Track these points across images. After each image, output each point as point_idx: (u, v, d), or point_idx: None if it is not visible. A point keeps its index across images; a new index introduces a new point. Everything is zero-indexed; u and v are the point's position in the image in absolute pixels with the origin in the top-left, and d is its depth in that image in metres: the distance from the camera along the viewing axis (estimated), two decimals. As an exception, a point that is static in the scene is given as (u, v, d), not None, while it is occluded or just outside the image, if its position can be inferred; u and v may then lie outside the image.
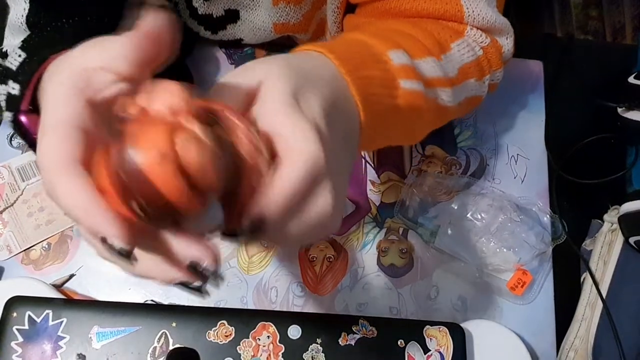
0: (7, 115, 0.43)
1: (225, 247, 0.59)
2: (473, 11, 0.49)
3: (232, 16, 0.58)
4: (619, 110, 0.60)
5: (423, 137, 0.49)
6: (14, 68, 0.40)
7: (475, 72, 0.49)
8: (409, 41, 0.44)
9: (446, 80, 0.45)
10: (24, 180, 0.60)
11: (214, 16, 0.57)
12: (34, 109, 0.37)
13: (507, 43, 0.53)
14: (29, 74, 0.37)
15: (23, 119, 0.37)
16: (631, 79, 0.61)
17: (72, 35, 0.42)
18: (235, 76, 0.31)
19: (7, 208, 0.59)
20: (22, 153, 0.62)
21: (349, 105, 0.35)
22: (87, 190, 0.26)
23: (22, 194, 0.60)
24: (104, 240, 0.26)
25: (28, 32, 0.44)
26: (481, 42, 0.51)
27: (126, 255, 0.26)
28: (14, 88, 0.39)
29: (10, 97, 0.39)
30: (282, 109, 0.29)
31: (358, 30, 0.44)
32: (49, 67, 0.33)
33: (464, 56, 0.48)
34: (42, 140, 0.28)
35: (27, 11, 0.43)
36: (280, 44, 0.66)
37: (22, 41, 0.43)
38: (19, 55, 0.41)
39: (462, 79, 0.48)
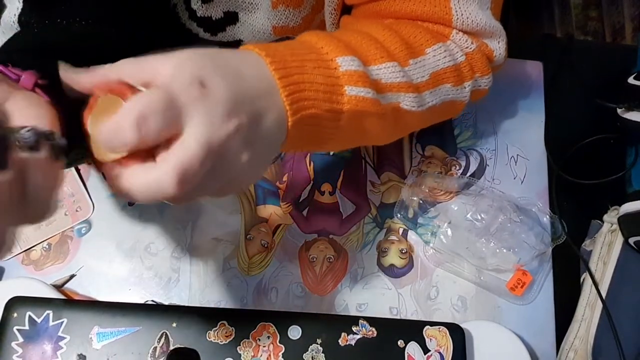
0: None
1: (225, 248, 0.59)
2: (462, 14, 0.49)
3: (231, 18, 0.58)
4: (619, 110, 0.60)
5: (387, 141, 0.51)
6: None
7: (452, 78, 0.50)
8: (370, 46, 0.45)
9: (409, 85, 0.46)
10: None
11: (213, 18, 0.57)
12: None
13: (498, 47, 0.53)
14: None
15: None
16: (631, 80, 0.61)
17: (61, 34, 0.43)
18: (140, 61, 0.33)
19: (7, 208, 0.59)
20: (22, 153, 0.62)
21: (274, 106, 0.36)
22: None
23: (22, 194, 0.60)
24: None
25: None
26: (466, 48, 0.51)
27: None
28: None
29: None
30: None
31: (315, 32, 0.45)
32: None
33: (439, 61, 0.49)
34: None
35: (19, 10, 0.43)
36: None
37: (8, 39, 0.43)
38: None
39: (435, 83, 0.49)
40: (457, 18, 0.49)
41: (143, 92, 0.32)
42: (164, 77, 0.32)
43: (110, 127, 0.30)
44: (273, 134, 0.36)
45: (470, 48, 0.51)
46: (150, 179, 0.31)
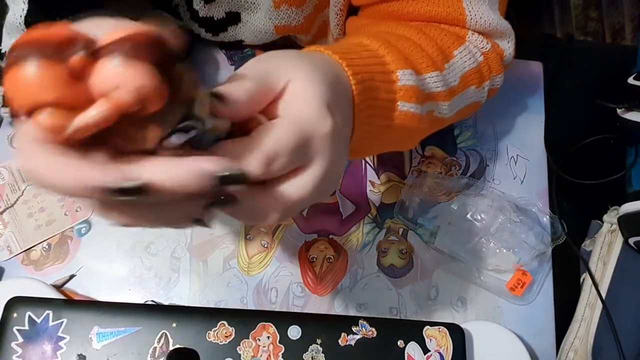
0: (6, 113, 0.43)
1: (225, 248, 0.59)
2: (475, 14, 0.49)
3: (233, 18, 0.58)
4: (619, 111, 0.60)
5: (414, 146, 0.50)
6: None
7: (475, 79, 0.49)
8: (417, 53, 0.44)
9: (447, 92, 0.45)
10: (24, 181, 0.61)
11: (215, 19, 0.57)
12: None
13: (508, 47, 0.52)
14: None
15: None
16: (630, 80, 0.61)
17: None
18: (253, 68, 0.31)
19: (7, 208, 0.60)
20: (22, 154, 0.62)
21: (350, 121, 0.35)
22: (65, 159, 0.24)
23: (22, 194, 0.60)
24: (112, 191, 0.24)
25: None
26: (482, 48, 0.51)
27: (142, 190, 0.24)
28: None
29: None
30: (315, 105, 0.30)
31: (371, 36, 0.43)
32: None
33: (465, 63, 0.48)
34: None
35: (25, 12, 0.43)
36: (281, 45, 0.66)
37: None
38: None
39: (463, 87, 0.48)
40: (471, 18, 0.49)
41: (273, 125, 0.29)
42: (295, 105, 0.30)
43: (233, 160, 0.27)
44: (346, 146, 0.36)
45: (486, 48, 0.51)
46: (260, 205, 0.29)
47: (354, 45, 0.41)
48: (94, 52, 0.22)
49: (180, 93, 0.24)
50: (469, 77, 0.49)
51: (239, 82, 0.28)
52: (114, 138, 0.24)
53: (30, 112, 0.22)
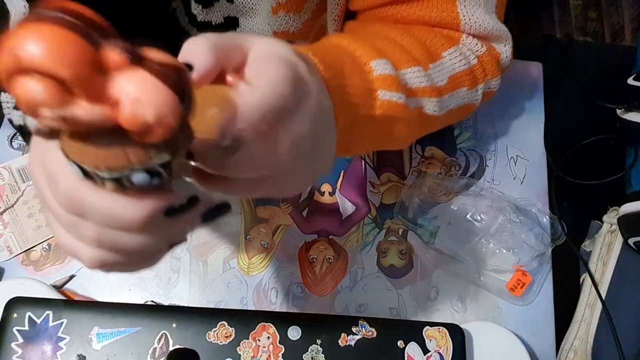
0: (15, 114, 0.43)
1: (225, 248, 0.59)
2: (470, 19, 0.49)
3: (231, 24, 0.58)
4: (618, 111, 0.60)
5: (409, 144, 0.50)
6: None
7: (467, 81, 0.50)
8: (395, 49, 0.44)
9: (433, 89, 0.45)
10: (24, 181, 0.61)
11: (213, 23, 0.57)
12: None
13: (505, 50, 0.53)
14: None
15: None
16: (630, 80, 0.61)
17: None
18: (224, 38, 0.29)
19: (7, 209, 0.60)
20: (22, 154, 0.62)
21: (327, 108, 0.35)
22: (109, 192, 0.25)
23: (22, 194, 0.60)
24: (170, 211, 0.25)
25: None
26: (477, 51, 0.51)
27: (193, 204, 0.26)
28: None
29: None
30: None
31: (344, 35, 0.44)
32: None
33: (455, 65, 0.48)
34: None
35: (26, 15, 0.43)
36: None
37: None
38: None
39: (452, 87, 0.48)
40: (465, 22, 0.49)
41: (255, 87, 0.27)
42: (261, 65, 0.28)
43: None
44: (331, 142, 0.35)
45: (481, 51, 0.51)
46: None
47: (322, 42, 0.42)
48: (133, 59, 0.21)
49: (176, 138, 0.23)
50: (459, 78, 0.49)
51: (198, 39, 0.27)
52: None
53: (23, 72, 0.20)
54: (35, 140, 0.28)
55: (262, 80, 0.27)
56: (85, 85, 0.20)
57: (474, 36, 0.51)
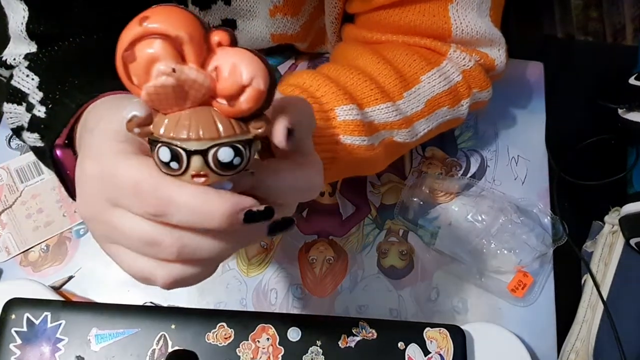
0: (17, 110, 0.43)
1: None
2: (461, 23, 0.49)
3: (230, 26, 0.58)
4: (620, 111, 0.60)
5: (384, 168, 0.53)
6: (37, 99, 0.41)
7: (447, 101, 0.51)
8: (365, 87, 0.47)
9: (402, 122, 0.48)
10: (22, 182, 0.60)
11: (211, 26, 0.57)
12: (69, 144, 0.38)
13: (499, 55, 0.53)
14: (59, 117, 0.38)
15: (59, 152, 0.38)
16: (632, 80, 0.61)
17: (75, 52, 0.43)
18: None
19: (5, 209, 0.59)
20: (20, 154, 0.62)
21: None
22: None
23: (20, 195, 0.60)
24: (249, 218, 0.26)
25: (28, 41, 0.44)
26: (463, 65, 0.51)
27: (270, 213, 0.26)
28: (39, 110, 0.41)
29: (35, 123, 0.41)
30: None
31: (316, 75, 0.46)
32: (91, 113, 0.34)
33: (435, 87, 0.50)
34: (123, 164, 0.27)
35: (26, 19, 0.43)
36: (278, 51, 0.66)
37: (29, 60, 0.43)
38: (27, 75, 0.42)
39: (430, 110, 0.50)
40: (457, 27, 0.49)
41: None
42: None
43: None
44: None
45: (468, 65, 0.52)
46: (302, 175, 0.30)
47: (294, 83, 0.45)
48: (233, 41, 0.25)
49: (259, 113, 0.26)
50: (438, 100, 0.50)
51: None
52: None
53: (147, 36, 0.24)
54: (91, 176, 0.28)
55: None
56: (195, 49, 0.24)
57: (465, 41, 0.51)
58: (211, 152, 0.25)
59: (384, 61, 0.49)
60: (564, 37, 1.10)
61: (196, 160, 0.25)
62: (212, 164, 0.25)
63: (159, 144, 0.25)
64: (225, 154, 0.25)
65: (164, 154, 0.25)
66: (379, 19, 0.52)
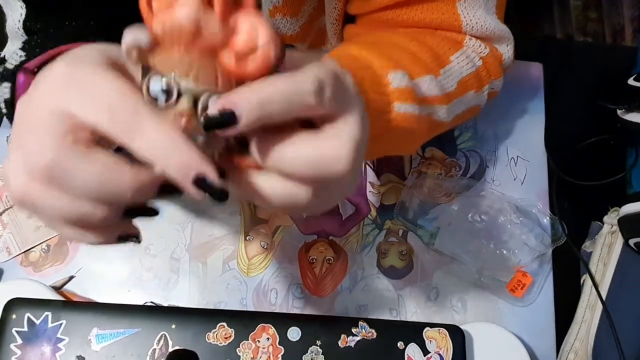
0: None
1: (225, 249, 0.59)
2: (471, 20, 0.49)
3: None
4: (619, 112, 0.60)
5: (416, 149, 0.50)
6: (11, 67, 0.40)
7: (474, 84, 0.50)
8: (409, 59, 0.44)
9: (443, 97, 0.46)
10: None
11: None
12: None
13: (507, 51, 0.53)
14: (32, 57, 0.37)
15: (22, 78, 0.35)
16: (631, 81, 0.61)
17: (73, 38, 0.43)
18: None
19: (6, 210, 0.59)
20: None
21: None
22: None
23: (21, 195, 0.60)
24: (198, 182, 0.24)
25: (25, 38, 0.44)
26: (480, 52, 0.51)
27: (224, 196, 0.25)
28: (18, 55, 0.39)
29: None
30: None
31: (360, 44, 0.44)
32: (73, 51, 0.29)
33: (463, 68, 0.48)
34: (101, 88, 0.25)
35: (23, 16, 0.43)
36: None
37: (23, 42, 0.43)
38: (20, 56, 0.41)
39: (461, 92, 0.48)
40: (467, 24, 0.49)
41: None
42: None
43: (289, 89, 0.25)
44: None
45: (484, 52, 0.51)
46: (324, 150, 0.26)
47: (343, 53, 0.42)
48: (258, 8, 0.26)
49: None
50: (467, 82, 0.49)
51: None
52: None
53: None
54: (58, 75, 0.25)
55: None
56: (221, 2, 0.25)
57: (476, 38, 0.51)
58: (203, 97, 0.25)
59: (416, 40, 0.47)
60: (564, 37, 1.10)
61: (185, 101, 0.25)
62: (199, 110, 0.25)
63: (154, 73, 0.25)
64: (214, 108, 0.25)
65: (156, 83, 0.25)
66: (385, 18, 0.51)
